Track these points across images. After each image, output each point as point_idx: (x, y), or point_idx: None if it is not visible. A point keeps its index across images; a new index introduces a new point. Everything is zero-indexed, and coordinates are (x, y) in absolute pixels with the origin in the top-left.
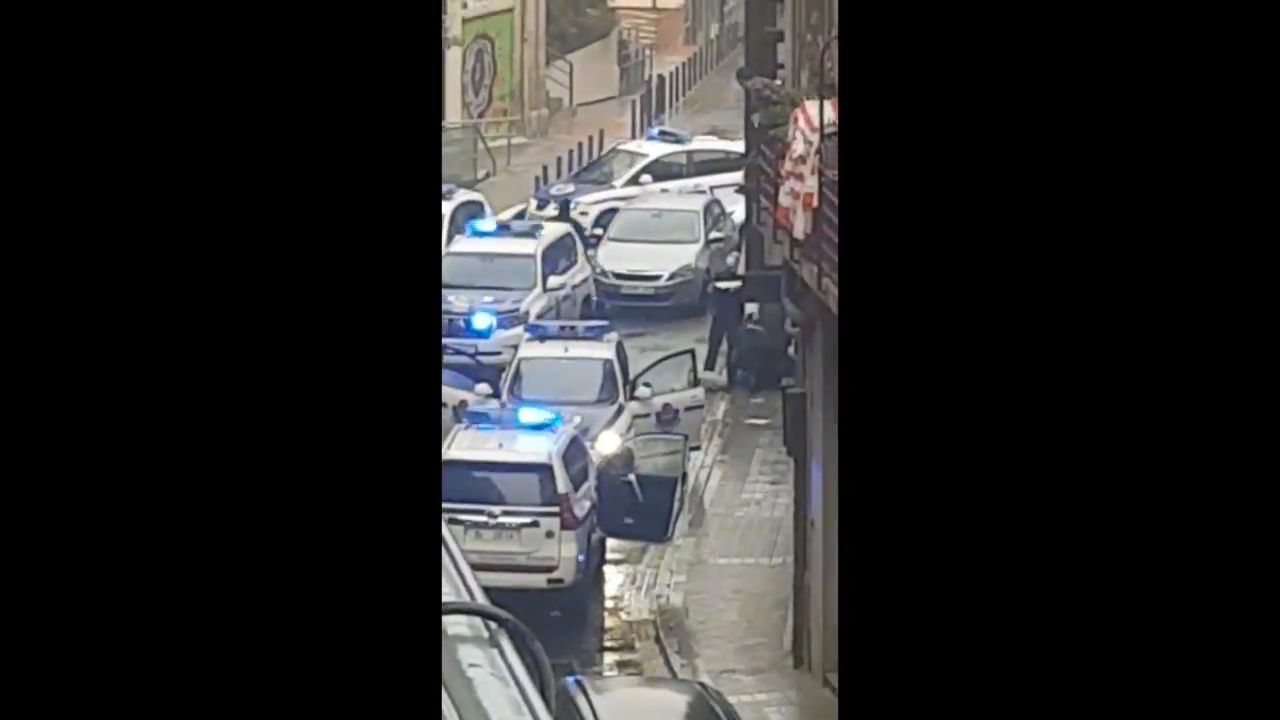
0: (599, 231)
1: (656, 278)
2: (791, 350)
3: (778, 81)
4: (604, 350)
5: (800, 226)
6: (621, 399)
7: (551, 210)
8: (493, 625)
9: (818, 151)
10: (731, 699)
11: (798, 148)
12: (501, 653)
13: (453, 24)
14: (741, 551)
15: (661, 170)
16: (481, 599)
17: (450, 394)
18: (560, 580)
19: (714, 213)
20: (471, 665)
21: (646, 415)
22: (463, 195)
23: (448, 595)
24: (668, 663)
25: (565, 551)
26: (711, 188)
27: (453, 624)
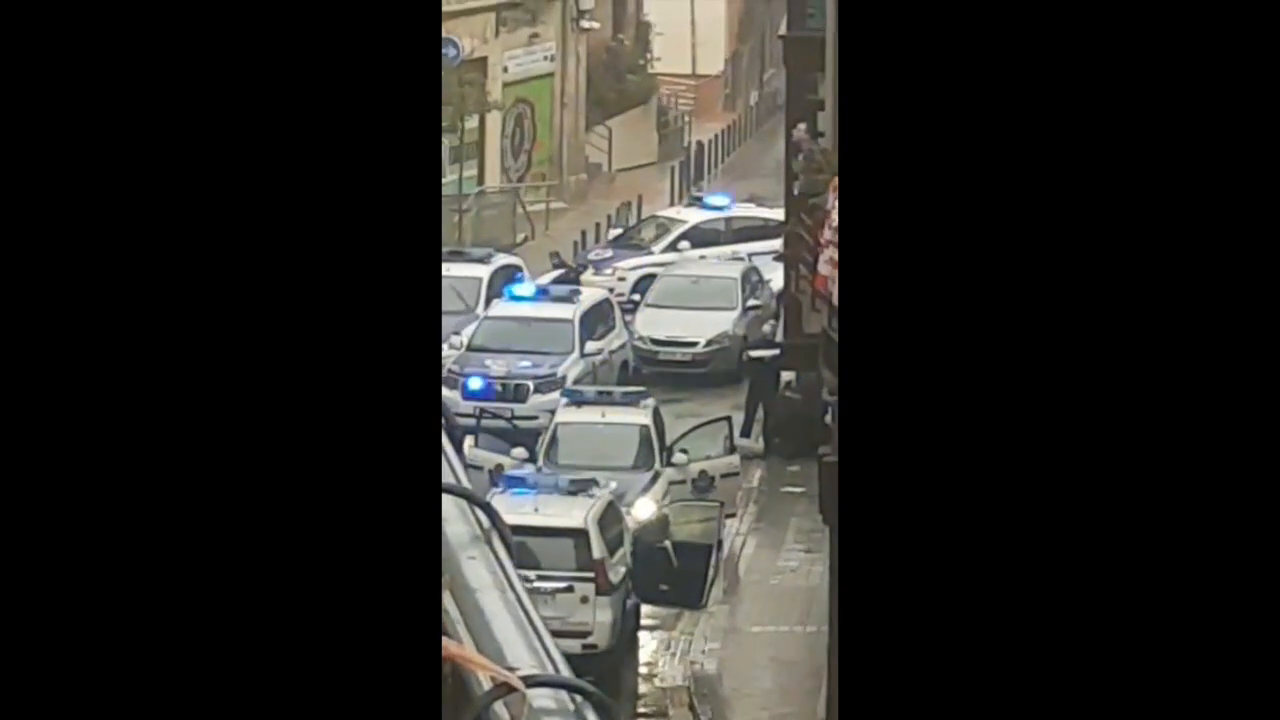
0: (636, 297)
1: (694, 344)
2: (828, 418)
3: (821, 140)
4: (640, 416)
5: (839, 295)
6: (658, 465)
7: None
8: (578, 698)
9: None
10: None
11: (838, 216)
12: None
13: (493, 88)
14: (776, 619)
15: (700, 237)
16: (565, 670)
17: (486, 458)
18: (595, 646)
19: (752, 280)
20: None
21: (682, 482)
22: (501, 259)
23: (532, 668)
24: None
25: (600, 617)
26: (750, 255)
27: (538, 696)
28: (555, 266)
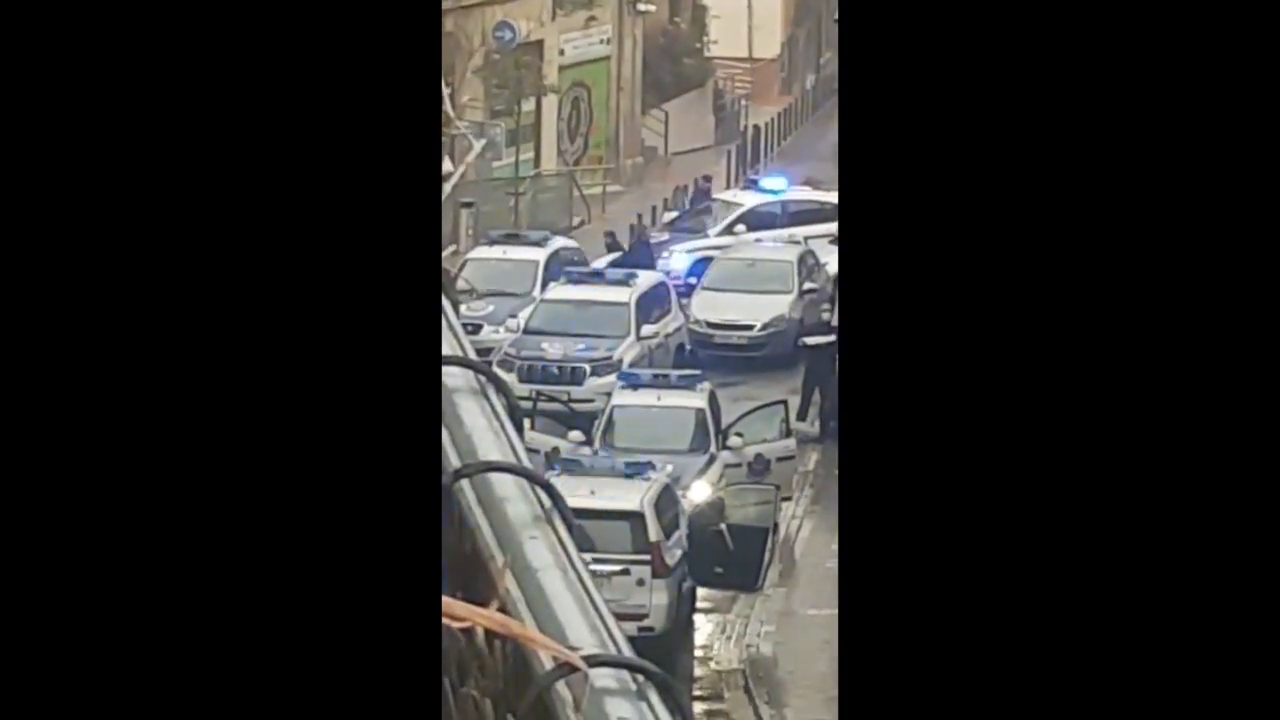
0: (691, 280)
1: (750, 327)
2: None
3: None
4: (697, 399)
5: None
6: (713, 448)
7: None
8: (640, 678)
9: None
10: None
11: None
12: (650, 707)
13: (549, 71)
14: (832, 602)
15: (756, 220)
16: (627, 651)
17: (543, 440)
18: (650, 628)
19: (808, 263)
20: (620, 719)
21: (738, 465)
22: (558, 242)
23: (594, 648)
24: (757, 713)
25: (656, 600)
26: (806, 238)
27: (600, 676)
28: (610, 249)
